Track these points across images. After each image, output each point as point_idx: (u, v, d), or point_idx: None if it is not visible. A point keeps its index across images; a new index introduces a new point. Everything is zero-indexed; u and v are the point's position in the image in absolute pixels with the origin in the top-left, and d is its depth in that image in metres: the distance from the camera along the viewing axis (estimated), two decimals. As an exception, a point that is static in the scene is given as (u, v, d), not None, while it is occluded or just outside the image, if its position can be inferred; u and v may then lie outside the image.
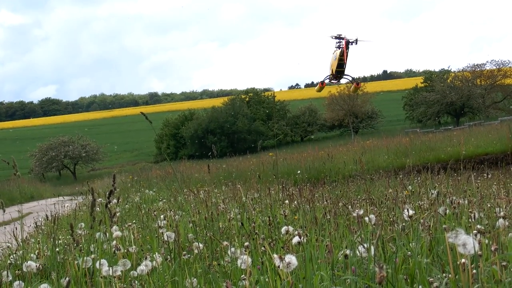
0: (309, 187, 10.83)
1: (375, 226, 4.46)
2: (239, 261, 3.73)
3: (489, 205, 6.14)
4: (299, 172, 19.42)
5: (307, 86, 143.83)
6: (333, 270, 3.46)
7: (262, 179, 10.76)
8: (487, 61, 62.48)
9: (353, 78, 25.37)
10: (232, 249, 4.38)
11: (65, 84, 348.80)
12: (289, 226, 4.66)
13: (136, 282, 4.28)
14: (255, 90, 73.03)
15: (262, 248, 4.42)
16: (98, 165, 62.54)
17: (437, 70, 73.95)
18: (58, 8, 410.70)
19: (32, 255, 5.80)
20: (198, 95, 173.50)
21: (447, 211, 5.05)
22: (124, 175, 27.38)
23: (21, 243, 6.08)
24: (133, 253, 5.07)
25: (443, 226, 3.39)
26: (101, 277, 4.02)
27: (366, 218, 4.65)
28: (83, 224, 7.13)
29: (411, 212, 4.39)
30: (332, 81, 25.45)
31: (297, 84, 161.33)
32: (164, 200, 11.31)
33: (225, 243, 4.74)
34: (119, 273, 4.03)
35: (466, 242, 2.91)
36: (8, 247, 6.86)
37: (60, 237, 7.18)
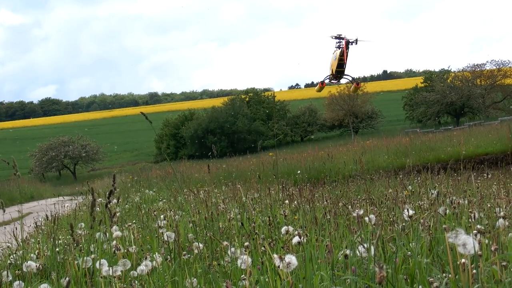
0: (309, 187, 10.83)
1: (375, 226, 4.46)
2: (239, 261, 3.73)
3: (489, 205, 6.14)
4: (299, 172, 19.43)
5: (307, 86, 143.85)
6: (333, 270, 3.46)
7: (262, 179, 10.76)
8: (487, 61, 62.57)
9: (353, 78, 25.38)
10: (232, 249, 4.38)
11: (65, 84, 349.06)
12: (289, 226, 4.66)
13: (136, 282, 4.28)
14: (255, 90, 73.04)
15: (262, 248, 4.42)
16: (98, 165, 62.56)
17: (437, 70, 74.08)
18: (58, 8, 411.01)
19: (32, 255, 5.80)
20: (198, 95, 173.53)
21: (447, 211, 5.05)
22: (124, 175, 27.39)
23: (21, 243, 6.08)
24: (133, 253, 5.07)
25: (443, 226, 3.39)
26: (101, 277, 4.02)
27: (366, 218, 4.65)
28: (83, 224, 7.13)
29: (411, 212, 4.39)
30: (332, 81, 25.45)
31: (297, 84, 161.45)
32: (164, 200, 11.31)
33: (225, 243, 4.74)
34: (119, 273, 4.03)
35: (466, 242, 2.91)
36: (8, 247, 6.86)
37: (60, 237, 7.19)
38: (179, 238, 4.39)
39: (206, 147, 55.75)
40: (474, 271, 3.00)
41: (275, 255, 3.41)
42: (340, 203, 7.04)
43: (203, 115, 65.70)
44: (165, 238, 4.68)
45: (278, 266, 3.35)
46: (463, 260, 2.96)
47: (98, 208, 8.46)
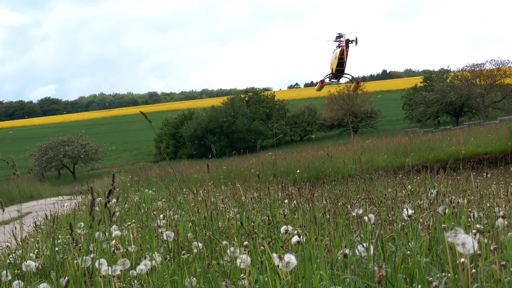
0: (309, 186, 10.82)
1: (374, 226, 4.46)
2: (238, 261, 3.73)
3: (488, 205, 6.14)
4: (298, 171, 19.44)
5: (306, 85, 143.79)
6: (333, 270, 3.46)
7: (262, 179, 10.76)
8: (486, 61, 62.52)
9: (353, 77, 25.38)
10: (232, 248, 4.38)
11: (65, 83, 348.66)
12: (289, 226, 4.66)
13: (136, 281, 4.28)
14: (255, 89, 73.04)
15: (262, 247, 4.42)
16: (97, 165, 62.54)
17: (436, 69, 74.07)
18: (58, 7, 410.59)
19: (31, 254, 5.80)
20: (198, 95, 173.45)
21: (447, 210, 5.05)
22: (124, 174, 27.35)
23: (20, 243, 6.08)
24: (133, 252, 5.07)
25: (443, 225, 3.40)
26: (101, 277, 4.02)
27: (365, 218, 4.65)
28: (82, 223, 7.13)
29: (410, 211, 4.39)
30: (332, 80, 25.47)
31: (296, 84, 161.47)
32: (163, 200, 11.31)
33: (224, 242, 4.74)
34: (118, 272, 4.03)
35: (465, 242, 2.91)
36: (7, 246, 6.85)
37: (59, 236, 7.18)
38: (179, 238, 4.39)
39: (206, 146, 55.78)
40: (474, 270, 3.00)
41: (274, 255, 3.41)
42: (340, 203, 7.04)
43: (203, 115, 65.72)
44: (165, 238, 4.68)
45: (278, 266, 3.35)
46: (462, 260, 2.96)
47: (97, 208, 8.44)
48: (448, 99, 57.69)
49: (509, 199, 5.88)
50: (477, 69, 61.51)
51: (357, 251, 3.54)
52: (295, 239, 4.12)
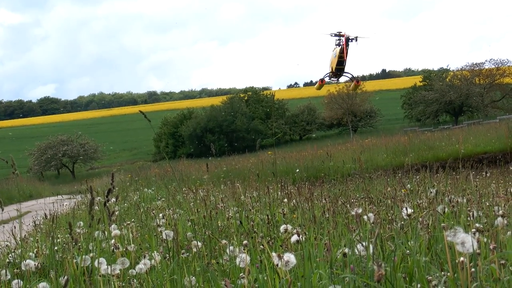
0: (308, 185, 10.82)
1: (373, 225, 4.46)
2: (237, 260, 3.73)
3: (487, 204, 6.14)
4: (298, 170, 19.43)
5: (306, 85, 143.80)
6: (332, 269, 3.46)
7: (261, 178, 10.76)
8: (486, 60, 62.65)
9: (353, 76, 25.36)
10: (231, 247, 4.38)
11: (64, 83, 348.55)
12: (288, 225, 4.66)
13: (135, 280, 4.28)
14: (254, 89, 73.06)
15: (261, 246, 4.42)
16: (97, 164, 62.57)
17: (436, 69, 74.09)
18: (58, 7, 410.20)
19: (30, 253, 5.80)
20: (197, 94, 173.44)
21: (446, 209, 5.05)
22: (123, 173, 27.36)
23: (19, 242, 6.07)
24: (132, 251, 5.07)
25: (442, 224, 3.39)
26: (100, 276, 4.02)
27: (365, 217, 4.65)
28: (81, 222, 7.13)
29: (409, 210, 4.39)
30: (332, 79, 25.44)
31: (296, 83, 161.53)
32: (162, 199, 11.31)
33: (223, 241, 4.74)
34: (117, 271, 4.02)
35: (465, 241, 2.91)
36: (6, 245, 6.85)
37: (58, 235, 7.18)
38: (178, 237, 4.39)
39: (205, 145, 55.79)
40: (473, 269, 3.00)
41: (273, 254, 3.42)
42: (339, 202, 7.04)
43: (202, 114, 65.73)
44: (164, 237, 4.68)
45: (277, 265, 3.35)
46: (461, 259, 2.96)
47: (96, 207, 8.45)
48: (448, 98, 57.71)
49: (508, 198, 5.88)
50: (477, 68, 61.57)
51: (356, 250, 3.54)
52: (294, 238, 4.12)
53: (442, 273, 3.31)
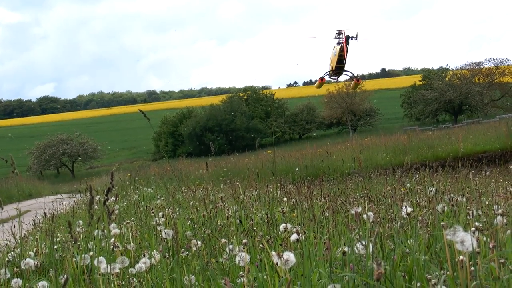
0: (307, 184, 10.82)
1: (373, 224, 4.46)
2: (237, 258, 3.73)
3: (487, 203, 6.15)
4: (297, 169, 19.44)
5: (305, 84, 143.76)
6: (331, 267, 3.46)
7: (261, 177, 10.76)
8: (485, 59, 62.70)
9: (353, 75, 25.38)
10: (230, 246, 4.38)
11: (64, 82, 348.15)
12: (287, 224, 4.66)
13: (135, 279, 4.28)
14: (254, 88, 73.08)
15: (260, 245, 4.42)
16: (96, 163, 62.55)
17: (435, 68, 74.10)
18: (57, 6, 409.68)
19: (30, 252, 5.79)
20: (197, 93, 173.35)
21: (445, 208, 5.05)
22: (123, 172, 27.34)
23: (19, 241, 6.07)
24: (131, 250, 5.07)
25: (441, 223, 3.39)
26: (99, 275, 4.02)
27: (364, 216, 4.65)
28: (81, 221, 7.13)
29: (409, 209, 4.39)
30: (332, 77, 25.46)
31: (295, 82, 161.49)
32: (162, 198, 11.31)
33: (223, 240, 4.74)
34: (117, 270, 4.03)
35: (464, 240, 2.91)
36: (6, 244, 6.85)
37: (58, 234, 7.18)
38: (177, 236, 4.39)
39: (205, 144, 55.75)
40: (472, 268, 3.00)
41: (273, 252, 3.42)
42: (339, 201, 7.04)
43: (201, 113, 65.75)
44: (163, 236, 4.68)
45: (276, 263, 3.35)
46: (461, 257, 2.96)
47: (96, 206, 8.45)
48: (447, 97, 57.75)
49: (508, 197, 5.88)
50: (476, 67, 61.60)
51: (356, 249, 3.54)
52: (294, 237, 4.12)
53: (442, 272, 3.31)
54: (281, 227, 4.62)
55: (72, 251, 5.09)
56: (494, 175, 11.42)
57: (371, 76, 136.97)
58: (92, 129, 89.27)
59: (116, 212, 8.05)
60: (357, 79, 26.04)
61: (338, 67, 23.93)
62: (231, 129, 61.87)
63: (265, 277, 3.77)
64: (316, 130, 67.32)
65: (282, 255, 3.29)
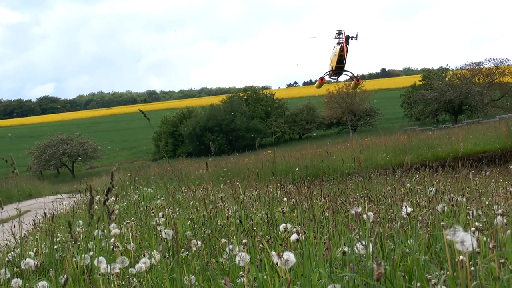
0: (307, 184, 10.82)
1: (373, 224, 4.46)
2: (237, 258, 3.73)
3: (487, 203, 6.15)
4: (297, 169, 19.44)
5: (305, 84, 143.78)
6: (331, 267, 3.46)
7: (261, 177, 10.76)
8: (485, 59, 62.71)
9: (353, 75, 25.38)
10: (230, 246, 4.38)
11: (64, 82, 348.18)
12: (287, 224, 4.66)
13: (134, 279, 4.28)
14: (254, 88, 73.08)
15: (260, 245, 4.42)
16: (96, 163, 62.55)
17: (435, 68, 74.13)
18: (57, 6, 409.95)
19: (30, 252, 5.79)
20: (196, 93, 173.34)
21: (445, 208, 5.05)
22: (123, 172, 27.34)
23: (19, 241, 6.07)
24: (131, 250, 5.07)
25: (441, 223, 3.39)
26: (99, 275, 4.02)
27: (364, 216, 4.65)
28: (81, 221, 7.13)
29: (409, 209, 4.39)
30: (332, 77, 25.46)
31: (295, 82, 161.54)
32: (162, 198, 11.31)
33: (223, 240, 4.74)
34: (117, 270, 4.02)
35: (464, 239, 2.91)
36: (6, 244, 6.85)
37: (58, 234, 7.18)
38: (177, 236, 4.39)
39: (205, 144, 55.75)
40: (472, 268, 3.00)
41: (273, 252, 3.42)
42: (339, 201, 7.04)
43: (201, 113, 65.76)
44: (163, 236, 4.67)
45: (276, 263, 3.35)
46: (461, 257, 2.96)
47: (96, 206, 8.45)
48: (447, 97, 57.76)
49: (508, 197, 5.88)
50: (476, 67, 61.61)
51: (356, 249, 3.54)
52: (294, 237, 4.12)
53: (442, 272, 3.31)
54: (281, 227, 4.62)
55: (72, 251, 5.09)
56: (494, 175, 11.42)
57: (371, 76, 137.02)
58: (92, 129, 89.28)
59: (116, 212, 8.05)
60: (357, 79, 26.05)
61: (338, 67, 23.94)
62: (231, 129, 61.88)
63: (265, 277, 3.77)
64: (316, 130, 67.32)
65: (282, 255, 3.29)
